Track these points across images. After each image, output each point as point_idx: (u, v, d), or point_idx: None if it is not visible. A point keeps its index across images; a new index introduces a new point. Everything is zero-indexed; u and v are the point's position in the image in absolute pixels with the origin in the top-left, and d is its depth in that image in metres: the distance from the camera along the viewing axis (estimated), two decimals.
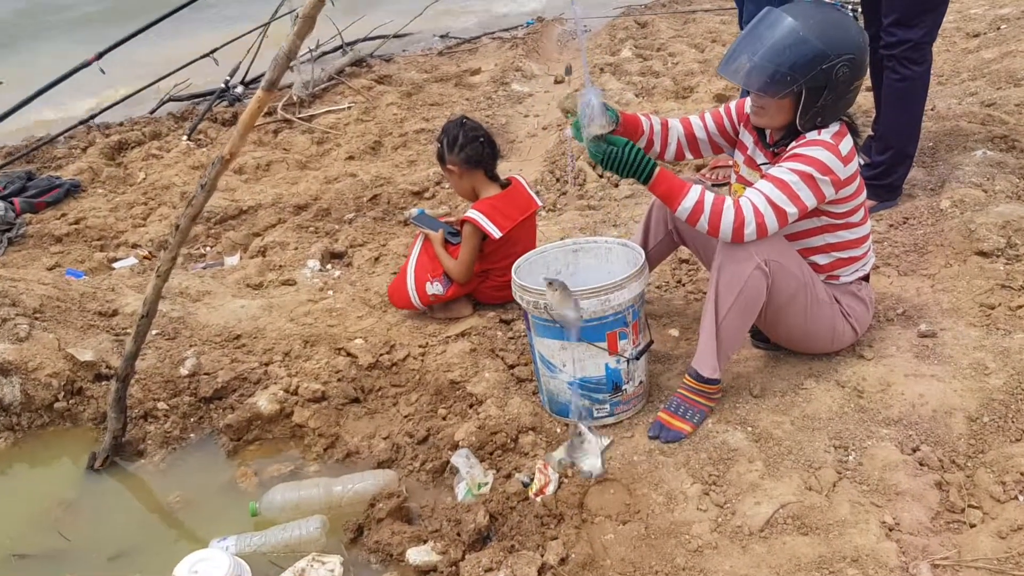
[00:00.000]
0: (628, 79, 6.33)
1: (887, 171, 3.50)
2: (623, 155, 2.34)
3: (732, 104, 2.73)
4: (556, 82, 6.79)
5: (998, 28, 5.56)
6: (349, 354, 3.06)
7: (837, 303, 2.59)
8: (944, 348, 2.66)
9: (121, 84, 6.59)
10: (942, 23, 3.41)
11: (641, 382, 2.65)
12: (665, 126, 2.72)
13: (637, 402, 2.67)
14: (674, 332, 3.05)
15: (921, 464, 2.29)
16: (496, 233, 3.10)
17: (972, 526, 2.13)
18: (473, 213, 3.12)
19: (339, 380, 2.95)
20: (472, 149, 3.16)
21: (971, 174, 3.61)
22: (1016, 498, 2.15)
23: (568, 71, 6.16)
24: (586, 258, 2.85)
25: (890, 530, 2.13)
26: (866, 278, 2.67)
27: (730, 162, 2.85)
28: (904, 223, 3.44)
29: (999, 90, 4.48)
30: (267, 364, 3.07)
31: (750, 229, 2.35)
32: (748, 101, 2.57)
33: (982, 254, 3.06)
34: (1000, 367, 2.54)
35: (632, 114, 2.67)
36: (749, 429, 2.50)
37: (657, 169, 2.37)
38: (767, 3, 2.65)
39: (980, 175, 3.58)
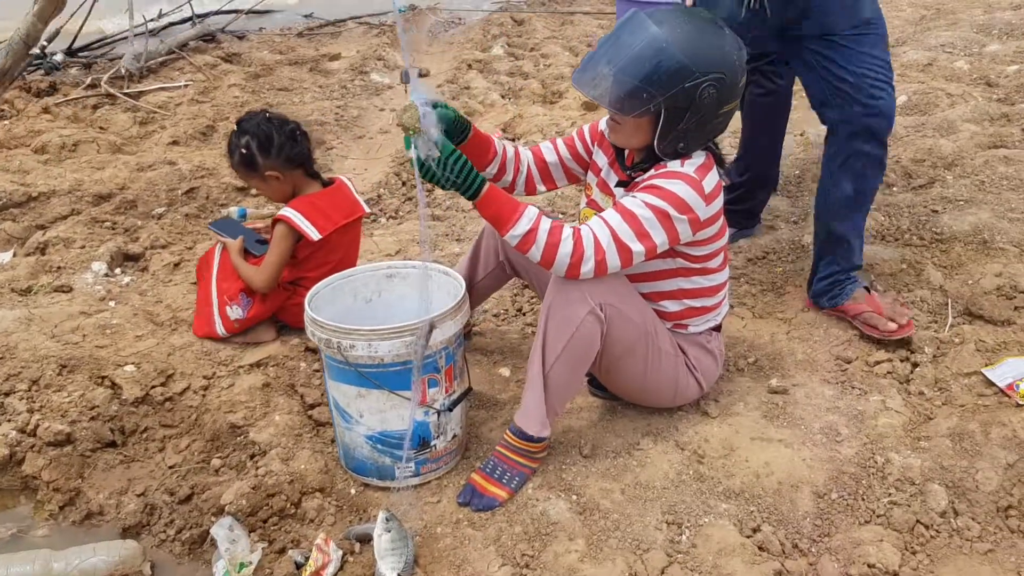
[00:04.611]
0: (496, 78, 5.95)
1: (746, 195, 3.21)
2: (448, 161, 1.92)
3: (586, 127, 2.39)
4: (421, 75, 6.33)
5: None
6: (113, 384, 2.52)
7: (683, 354, 2.27)
8: (795, 408, 2.38)
9: None
10: None
11: (455, 436, 2.25)
12: (517, 154, 2.36)
13: (449, 459, 2.26)
14: (505, 371, 2.67)
15: (761, 548, 1.98)
16: (314, 235, 2.64)
17: None
18: (288, 211, 2.66)
19: (92, 419, 2.40)
20: (292, 148, 2.70)
21: None
22: None
23: (405, 77, 5.41)
24: (401, 286, 2.42)
25: None
26: (718, 327, 2.35)
27: None
28: (763, 258, 3.17)
29: None
30: (6, 394, 2.47)
31: (588, 267, 1.99)
32: (603, 121, 2.26)
33: None
34: (853, 434, 2.27)
35: (486, 134, 2.27)
36: (574, 498, 2.14)
37: (486, 186, 1.98)
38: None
39: None
